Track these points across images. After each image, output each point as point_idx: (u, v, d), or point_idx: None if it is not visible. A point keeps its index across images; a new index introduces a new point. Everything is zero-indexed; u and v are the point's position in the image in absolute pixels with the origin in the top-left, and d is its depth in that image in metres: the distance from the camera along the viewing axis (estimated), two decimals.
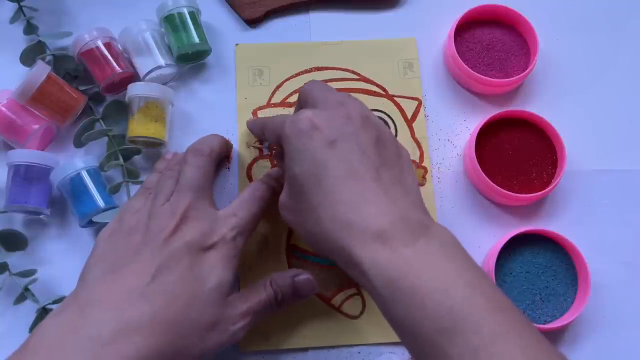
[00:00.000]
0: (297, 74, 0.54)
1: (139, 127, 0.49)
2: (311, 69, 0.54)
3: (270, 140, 0.43)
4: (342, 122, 0.38)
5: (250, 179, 0.51)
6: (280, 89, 0.54)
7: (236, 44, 0.55)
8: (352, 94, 0.53)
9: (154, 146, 0.51)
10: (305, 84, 0.43)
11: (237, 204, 0.43)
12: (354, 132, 0.37)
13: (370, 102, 0.53)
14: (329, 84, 0.54)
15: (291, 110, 0.53)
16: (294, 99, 0.53)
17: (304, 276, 0.43)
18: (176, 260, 0.38)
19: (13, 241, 0.48)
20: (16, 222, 0.49)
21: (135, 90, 0.49)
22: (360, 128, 0.38)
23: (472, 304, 0.31)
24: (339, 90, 0.53)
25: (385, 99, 0.54)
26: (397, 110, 0.53)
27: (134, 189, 0.49)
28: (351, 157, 0.36)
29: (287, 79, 0.54)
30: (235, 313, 0.39)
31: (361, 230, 0.34)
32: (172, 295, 0.37)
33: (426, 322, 0.31)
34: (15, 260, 0.47)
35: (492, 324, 0.30)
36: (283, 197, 0.40)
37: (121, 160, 0.49)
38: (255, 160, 0.51)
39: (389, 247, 0.33)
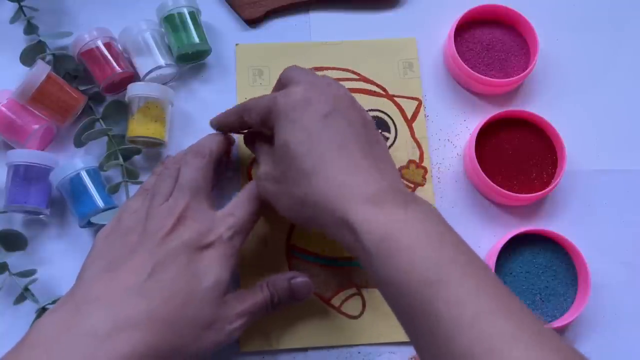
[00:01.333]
0: None
1: (138, 127, 0.49)
2: (311, 69, 0.54)
3: (253, 120, 0.42)
4: (333, 99, 0.40)
5: (250, 178, 0.51)
6: None
7: (236, 44, 0.55)
8: (352, 94, 0.53)
9: (154, 146, 0.51)
10: (285, 68, 0.44)
11: (234, 204, 0.43)
12: (345, 108, 0.40)
13: (370, 102, 0.53)
14: None
15: None
16: None
17: (300, 279, 0.43)
18: (173, 258, 0.38)
19: (13, 241, 0.48)
20: (16, 222, 0.49)
21: (135, 90, 0.49)
22: (350, 107, 0.40)
23: (457, 261, 0.32)
24: None
25: (385, 99, 0.54)
26: (397, 110, 0.53)
27: (134, 189, 0.49)
28: (343, 131, 0.38)
29: None
30: (232, 313, 0.40)
31: (354, 193, 0.36)
32: (169, 293, 0.37)
33: (414, 275, 0.32)
34: (15, 260, 0.47)
35: (475, 278, 0.32)
36: (264, 168, 0.41)
37: (121, 160, 0.49)
38: (255, 160, 0.51)
39: (380, 208, 0.35)
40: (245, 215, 0.42)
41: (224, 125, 0.47)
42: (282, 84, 0.43)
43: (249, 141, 0.47)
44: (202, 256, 0.39)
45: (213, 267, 0.39)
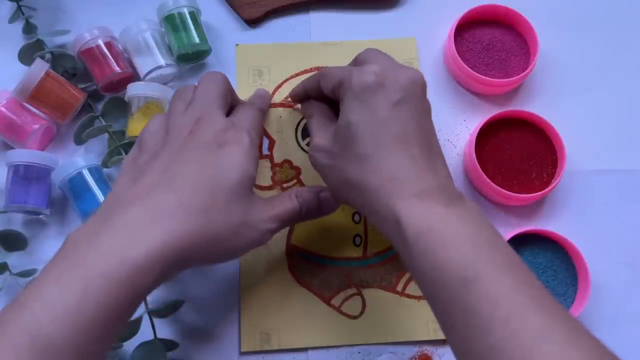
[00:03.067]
0: (297, 74, 0.54)
1: (138, 127, 0.49)
2: (311, 69, 0.54)
3: (325, 87, 0.43)
4: (407, 85, 0.39)
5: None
6: (280, 89, 0.53)
7: (236, 45, 0.55)
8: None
9: None
10: (366, 49, 0.43)
11: (242, 108, 0.45)
12: (415, 99, 0.39)
13: None
14: None
15: (292, 110, 0.53)
16: None
17: (326, 194, 0.44)
18: (195, 155, 0.39)
19: (13, 241, 0.48)
20: (16, 222, 0.49)
21: (135, 90, 0.49)
22: (421, 97, 0.40)
23: (494, 259, 0.33)
24: None
25: None
26: None
27: None
28: (408, 123, 0.38)
29: (287, 79, 0.54)
30: (265, 215, 0.40)
31: (403, 186, 0.37)
32: (196, 185, 0.37)
33: (451, 272, 0.33)
34: (15, 260, 0.47)
35: (512, 279, 0.32)
36: (322, 140, 0.42)
37: (124, 155, 0.49)
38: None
39: (425, 203, 0.36)
40: (255, 111, 0.44)
41: (304, 91, 0.47)
42: (358, 62, 0.43)
43: (309, 110, 0.46)
44: (224, 151, 0.39)
45: (238, 162, 0.39)
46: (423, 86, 0.40)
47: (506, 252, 0.34)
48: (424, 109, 0.40)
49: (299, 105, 0.53)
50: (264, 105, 0.48)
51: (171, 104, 0.44)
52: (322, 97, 0.45)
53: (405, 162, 0.37)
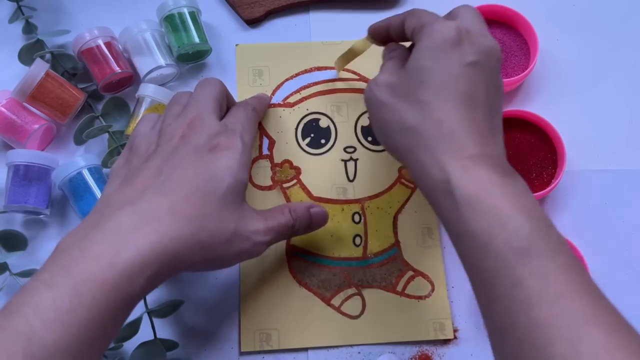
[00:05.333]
0: (297, 74, 0.54)
1: None
2: (311, 68, 0.54)
3: (408, 26, 0.41)
4: (484, 52, 0.38)
5: (249, 179, 0.51)
6: (280, 89, 0.54)
7: (236, 45, 0.55)
8: (352, 94, 0.54)
9: None
10: (461, 5, 0.41)
11: (233, 112, 0.44)
12: (489, 67, 0.39)
13: None
14: (328, 83, 0.54)
15: (292, 110, 0.53)
16: (294, 99, 0.53)
17: (318, 208, 0.45)
18: (188, 159, 0.38)
19: (13, 241, 0.48)
20: (16, 222, 0.49)
21: (146, 90, 0.49)
22: (494, 68, 0.39)
23: (549, 236, 0.33)
24: (339, 90, 0.54)
25: None
26: None
27: None
28: (479, 86, 0.38)
29: (286, 79, 0.54)
30: (257, 226, 0.40)
31: (460, 144, 0.36)
32: (188, 190, 0.37)
33: (503, 238, 0.32)
34: (15, 260, 0.47)
35: (564, 258, 0.32)
36: (388, 77, 0.41)
37: None
38: (254, 160, 0.51)
39: (481, 167, 0.35)
40: (249, 112, 0.44)
41: (386, 27, 0.45)
42: (451, 16, 0.41)
43: (391, 52, 0.44)
44: (216, 157, 0.39)
45: (229, 168, 0.39)
46: (498, 59, 0.40)
47: (557, 233, 0.34)
48: (494, 81, 0.39)
49: (298, 106, 0.53)
50: (258, 105, 0.48)
51: (167, 108, 0.44)
52: (401, 37, 0.44)
53: (467, 122, 0.37)
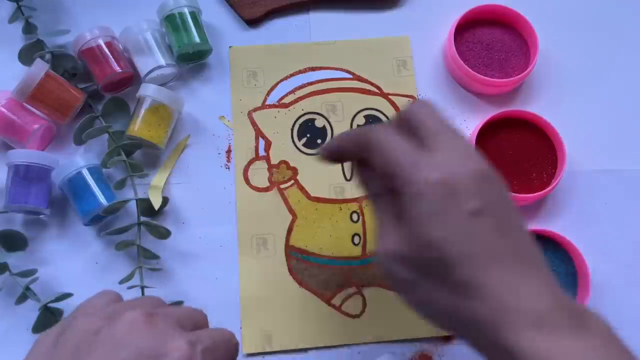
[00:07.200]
0: (291, 75, 0.54)
1: (140, 128, 0.49)
2: (305, 69, 0.54)
3: (375, 166, 0.34)
4: (482, 185, 0.32)
5: (247, 181, 0.51)
6: (274, 90, 0.54)
7: (229, 47, 0.55)
8: (347, 93, 0.54)
9: (151, 147, 0.51)
10: (412, 105, 0.35)
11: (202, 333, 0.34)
12: (497, 202, 0.33)
13: (366, 101, 0.53)
14: (323, 83, 0.54)
15: (287, 111, 0.53)
16: (289, 99, 0.53)
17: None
18: None
19: (13, 241, 0.48)
20: (16, 222, 0.49)
21: (147, 91, 0.49)
22: (501, 196, 0.33)
23: None
24: (334, 90, 0.54)
25: (380, 97, 0.54)
26: (392, 109, 0.53)
27: (139, 183, 0.50)
28: (494, 233, 0.32)
29: (281, 80, 0.54)
30: None
31: (514, 315, 0.30)
32: None
33: None
34: (16, 260, 0.47)
35: None
36: (397, 247, 0.33)
37: (123, 155, 0.49)
38: (251, 161, 0.51)
39: (548, 336, 0.30)
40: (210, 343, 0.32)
41: (338, 154, 0.38)
42: (409, 125, 0.34)
43: (374, 204, 0.36)
44: None
45: None
46: (500, 185, 0.34)
47: None
48: (509, 209, 0.33)
49: (293, 107, 0.53)
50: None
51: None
52: (359, 160, 0.37)
53: (509, 284, 0.31)
